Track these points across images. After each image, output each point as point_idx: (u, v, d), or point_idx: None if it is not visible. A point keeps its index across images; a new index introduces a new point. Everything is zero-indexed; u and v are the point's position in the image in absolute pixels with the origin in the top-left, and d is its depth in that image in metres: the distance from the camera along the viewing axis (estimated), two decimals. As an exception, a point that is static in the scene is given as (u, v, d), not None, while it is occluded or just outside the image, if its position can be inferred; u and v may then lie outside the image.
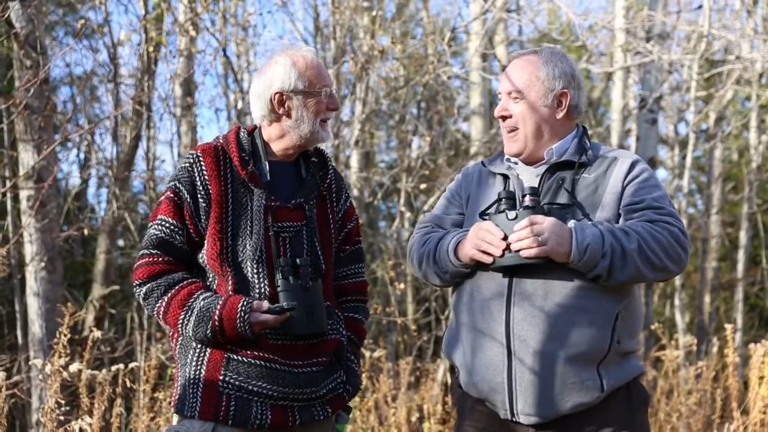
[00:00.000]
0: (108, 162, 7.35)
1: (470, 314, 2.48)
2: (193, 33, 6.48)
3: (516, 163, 2.57)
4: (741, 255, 11.72)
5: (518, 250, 2.33)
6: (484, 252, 2.39)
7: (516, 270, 2.39)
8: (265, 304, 2.42)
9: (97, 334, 4.53)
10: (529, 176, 2.54)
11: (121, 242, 8.68)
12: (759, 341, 5.68)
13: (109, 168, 7.21)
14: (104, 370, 4.47)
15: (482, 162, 2.67)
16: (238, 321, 2.39)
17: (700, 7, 7.69)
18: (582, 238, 2.31)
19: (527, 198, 2.40)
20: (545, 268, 2.36)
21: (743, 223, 11.78)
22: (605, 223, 2.38)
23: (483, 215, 2.48)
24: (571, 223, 2.36)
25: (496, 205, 2.46)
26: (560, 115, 2.52)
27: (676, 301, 10.10)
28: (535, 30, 10.21)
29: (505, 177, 2.57)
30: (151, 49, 6.25)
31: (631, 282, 2.39)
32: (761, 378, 5.34)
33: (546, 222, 2.32)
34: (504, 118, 2.54)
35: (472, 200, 2.61)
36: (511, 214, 2.36)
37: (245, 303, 2.40)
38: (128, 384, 4.53)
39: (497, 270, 2.42)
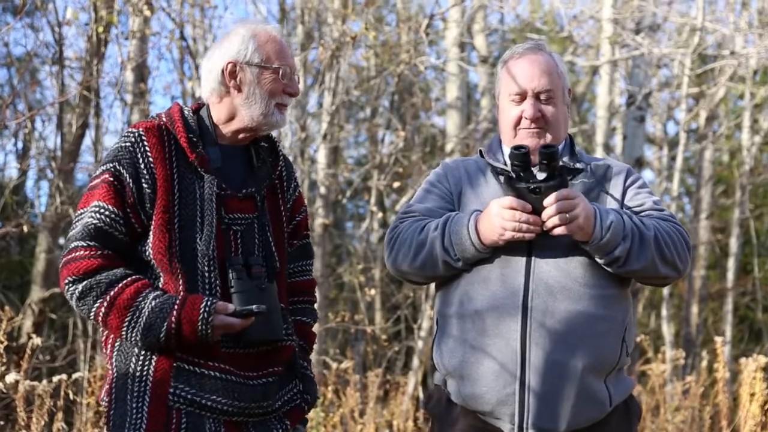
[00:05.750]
0: (50, 152, 7.23)
1: (473, 320, 2.47)
2: (147, 13, 6.40)
3: None
4: (731, 263, 11.86)
5: (549, 229, 2.38)
6: (524, 233, 2.40)
7: (533, 250, 2.44)
8: (231, 306, 2.32)
9: (36, 341, 4.49)
10: None
11: (63, 240, 8.55)
12: (749, 355, 5.77)
13: (51, 159, 7.10)
14: (44, 381, 4.41)
15: (480, 151, 2.69)
16: (199, 323, 2.29)
17: (693, -3, 7.79)
18: (605, 216, 2.40)
19: (544, 165, 2.41)
20: (565, 263, 2.43)
21: (734, 229, 11.93)
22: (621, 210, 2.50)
23: (512, 182, 2.46)
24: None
25: (513, 169, 2.45)
26: (568, 111, 2.67)
27: (663, 312, 10.17)
28: (517, 19, 10.27)
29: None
30: (100, 29, 6.16)
31: (642, 272, 2.46)
32: (752, 395, 5.42)
33: (577, 198, 2.39)
34: (537, 119, 2.57)
35: (467, 196, 2.60)
36: (534, 188, 2.39)
37: (209, 303, 2.30)
38: (71, 396, 4.47)
39: (517, 253, 2.44)
